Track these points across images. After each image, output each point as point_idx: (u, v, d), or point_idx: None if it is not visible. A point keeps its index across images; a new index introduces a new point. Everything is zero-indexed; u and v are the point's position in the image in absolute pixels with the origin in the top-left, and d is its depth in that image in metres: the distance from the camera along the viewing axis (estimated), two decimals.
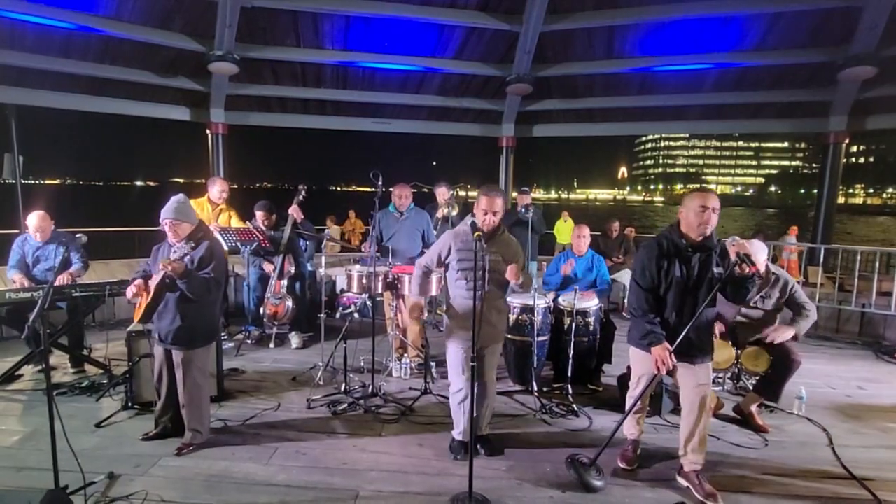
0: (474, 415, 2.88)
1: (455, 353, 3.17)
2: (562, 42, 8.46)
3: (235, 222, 5.56)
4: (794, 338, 3.71)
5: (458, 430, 3.29)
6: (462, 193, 8.37)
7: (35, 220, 4.50)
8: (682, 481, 2.98)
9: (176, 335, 3.16)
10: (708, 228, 2.73)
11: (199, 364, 3.24)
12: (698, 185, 3.82)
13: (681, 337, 2.74)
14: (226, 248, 5.34)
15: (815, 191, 9.02)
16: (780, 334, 3.67)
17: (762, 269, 3.75)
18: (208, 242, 3.18)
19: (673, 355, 2.77)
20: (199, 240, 3.15)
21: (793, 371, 3.65)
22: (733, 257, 2.64)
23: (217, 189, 5.49)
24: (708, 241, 2.79)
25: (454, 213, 5.67)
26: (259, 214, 5.45)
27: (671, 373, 2.97)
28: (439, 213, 5.72)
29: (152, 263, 3.23)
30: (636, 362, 3.09)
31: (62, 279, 4.39)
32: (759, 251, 3.61)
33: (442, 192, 5.98)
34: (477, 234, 2.75)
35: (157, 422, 3.42)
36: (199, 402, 3.28)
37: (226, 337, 5.42)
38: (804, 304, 3.76)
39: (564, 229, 12.12)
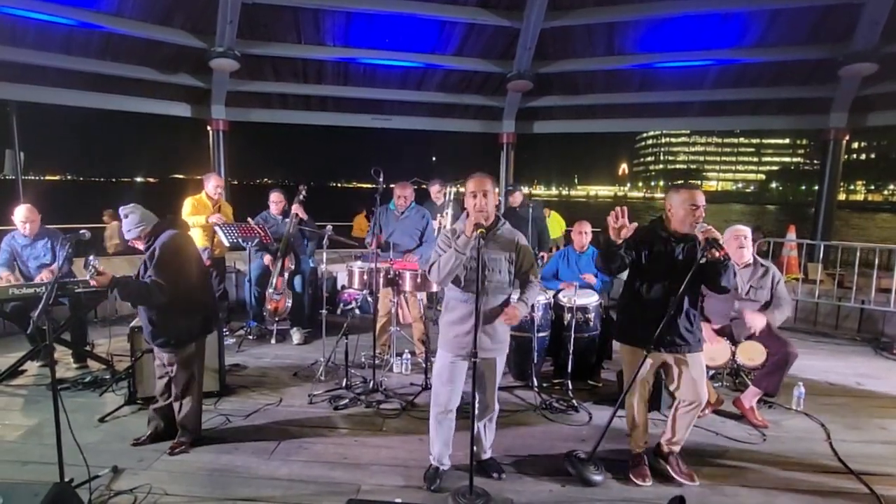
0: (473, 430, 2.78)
1: (442, 361, 2.86)
2: (562, 39, 8.45)
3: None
4: (768, 327, 3.76)
5: (434, 455, 2.98)
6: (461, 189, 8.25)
7: (23, 211, 4.51)
8: (660, 462, 3.07)
9: (152, 337, 3.10)
10: (697, 224, 2.73)
11: (182, 364, 3.16)
12: (681, 181, 3.84)
13: (662, 326, 2.76)
14: (227, 243, 5.38)
15: (816, 187, 9.04)
16: (755, 319, 3.70)
17: (749, 257, 3.82)
18: (158, 241, 2.99)
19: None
20: (151, 238, 3.01)
21: (790, 363, 3.68)
22: (702, 242, 2.66)
23: (213, 185, 5.57)
24: (690, 233, 2.83)
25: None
26: (274, 196, 5.60)
27: (664, 368, 2.99)
28: (436, 224, 5.61)
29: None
30: (626, 361, 3.07)
31: (42, 276, 4.43)
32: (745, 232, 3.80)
33: (435, 190, 5.86)
34: (480, 230, 2.55)
35: (149, 421, 3.35)
36: (184, 402, 3.22)
37: (227, 333, 5.44)
38: (782, 298, 3.84)
39: (552, 224, 12.09)
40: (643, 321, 2.84)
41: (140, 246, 3.08)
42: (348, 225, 12.07)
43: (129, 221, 3.04)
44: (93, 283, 2.84)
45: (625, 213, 2.64)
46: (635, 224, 2.70)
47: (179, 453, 3.19)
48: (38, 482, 2.46)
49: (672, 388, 3.03)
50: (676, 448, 3.05)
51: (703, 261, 2.67)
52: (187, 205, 5.48)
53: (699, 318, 2.99)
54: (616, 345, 3.26)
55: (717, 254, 2.60)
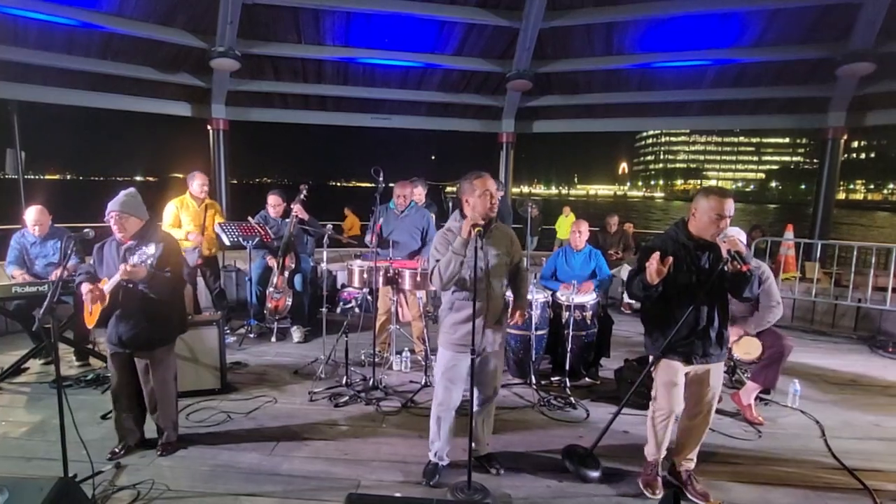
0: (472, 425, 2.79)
1: (446, 359, 2.86)
2: (561, 38, 8.50)
3: (219, 219, 5.47)
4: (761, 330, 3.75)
5: (434, 451, 3.00)
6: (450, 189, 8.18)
7: (33, 213, 4.53)
8: (671, 480, 2.99)
9: (144, 338, 3.04)
10: (721, 234, 2.60)
11: (168, 362, 3.17)
12: (711, 185, 3.27)
13: (674, 333, 2.67)
14: (228, 242, 5.39)
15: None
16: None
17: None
18: (164, 243, 3.00)
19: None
20: (152, 238, 2.97)
21: (785, 356, 3.72)
22: (724, 254, 2.54)
23: (198, 183, 5.34)
24: (713, 241, 2.66)
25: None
26: (272, 199, 5.53)
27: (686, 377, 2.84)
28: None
29: (98, 264, 3.06)
30: (660, 375, 2.84)
31: (58, 273, 4.44)
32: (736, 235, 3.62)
33: (419, 192, 5.60)
34: (478, 228, 2.54)
35: (127, 432, 3.22)
36: (170, 400, 3.22)
37: (228, 331, 5.47)
38: (772, 299, 3.77)
39: (565, 224, 12.10)
40: (676, 334, 2.68)
41: (116, 228, 2.96)
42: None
43: (134, 202, 3.00)
44: (127, 275, 2.75)
45: (658, 259, 2.54)
46: (670, 259, 2.57)
47: (171, 452, 3.19)
48: (42, 477, 2.49)
49: (687, 396, 2.86)
50: (691, 465, 2.94)
51: (716, 273, 2.58)
52: (169, 213, 5.25)
53: (728, 327, 2.85)
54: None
55: (741, 267, 2.46)
